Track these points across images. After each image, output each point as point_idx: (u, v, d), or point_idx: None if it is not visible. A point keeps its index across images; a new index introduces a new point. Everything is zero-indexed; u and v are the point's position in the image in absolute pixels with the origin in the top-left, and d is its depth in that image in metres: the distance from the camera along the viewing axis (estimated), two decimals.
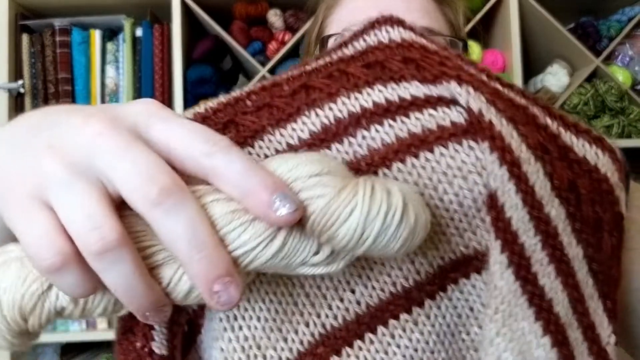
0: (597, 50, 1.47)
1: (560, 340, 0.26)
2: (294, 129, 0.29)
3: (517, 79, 1.42)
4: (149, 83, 1.43)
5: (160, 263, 0.24)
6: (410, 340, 0.29)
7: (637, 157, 1.52)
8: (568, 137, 0.28)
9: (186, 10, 1.44)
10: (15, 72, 1.43)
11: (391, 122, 0.28)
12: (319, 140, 0.28)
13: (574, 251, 0.27)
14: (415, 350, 0.29)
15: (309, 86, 0.30)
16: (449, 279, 0.29)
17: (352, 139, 0.28)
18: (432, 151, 0.27)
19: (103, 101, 1.45)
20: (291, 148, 0.28)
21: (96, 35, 1.45)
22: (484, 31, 1.53)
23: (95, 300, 0.24)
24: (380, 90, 0.29)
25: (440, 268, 0.29)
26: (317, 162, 0.24)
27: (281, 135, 0.29)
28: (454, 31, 0.63)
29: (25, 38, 1.44)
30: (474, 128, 0.26)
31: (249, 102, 0.30)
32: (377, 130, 0.28)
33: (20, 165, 0.25)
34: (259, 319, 0.29)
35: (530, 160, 0.26)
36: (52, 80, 1.43)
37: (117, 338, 0.30)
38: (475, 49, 1.45)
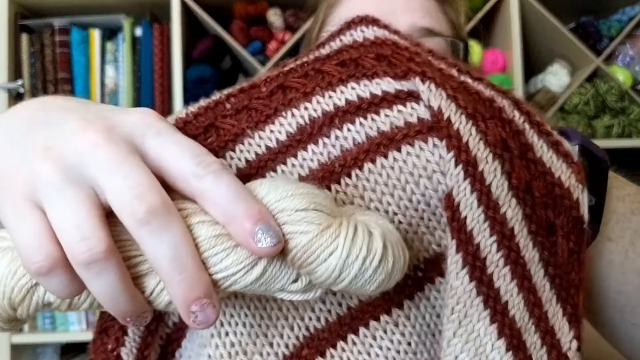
0: (597, 50, 1.47)
1: (515, 344, 0.26)
2: (272, 131, 0.29)
3: (518, 79, 1.42)
4: (149, 83, 1.43)
5: (144, 273, 0.25)
6: (391, 341, 0.29)
7: (637, 157, 1.51)
8: (530, 135, 0.28)
9: (186, 9, 1.44)
10: (15, 72, 1.43)
11: (362, 120, 0.28)
12: (296, 142, 0.29)
13: (531, 254, 0.27)
14: (398, 351, 0.29)
15: (285, 86, 0.30)
16: (425, 278, 0.29)
17: (326, 140, 0.28)
18: (399, 150, 0.27)
19: (103, 101, 1.44)
20: (270, 151, 0.29)
21: (96, 34, 1.45)
22: (485, 31, 1.53)
23: (81, 298, 0.25)
24: (353, 88, 0.29)
25: (415, 268, 0.29)
26: (305, 196, 0.25)
27: (260, 138, 0.29)
28: (455, 31, 0.63)
29: (24, 38, 1.44)
30: (436, 125, 0.26)
31: (228, 105, 0.30)
32: (349, 130, 0.28)
33: (16, 162, 0.25)
34: (244, 324, 0.30)
35: (487, 159, 0.26)
36: (51, 80, 1.43)
37: (93, 336, 0.31)
38: (475, 49, 1.45)
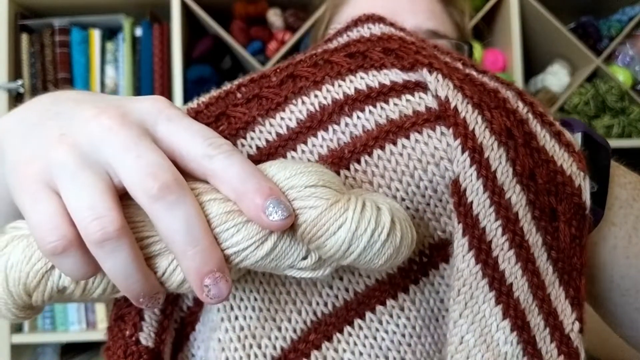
0: (597, 50, 1.47)
1: (519, 325, 0.27)
2: (282, 118, 0.29)
3: (518, 79, 1.42)
4: (149, 83, 1.43)
5: (156, 253, 0.25)
6: (397, 325, 0.30)
7: (637, 157, 1.51)
8: (534, 124, 0.28)
9: (186, 9, 1.44)
10: (15, 72, 1.43)
11: (371, 108, 0.29)
12: (306, 128, 0.29)
13: (534, 238, 0.28)
14: (403, 335, 0.30)
15: (295, 75, 0.30)
16: (430, 263, 0.30)
17: (335, 127, 0.29)
18: (408, 137, 0.28)
19: None
20: (280, 137, 0.29)
21: (96, 34, 1.45)
22: (485, 31, 1.53)
23: (95, 282, 0.26)
24: (362, 78, 0.29)
25: (421, 253, 0.30)
26: (314, 173, 0.26)
27: (271, 125, 0.29)
28: (460, 32, 0.63)
29: (24, 38, 1.44)
30: (444, 114, 0.27)
31: (239, 95, 0.30)
32: (358, 117, 0.29)
33: (32, 149, 0.26)
34: (254, 308, 0.30)
35: (493, 146, 0.27)
36: (51, 80, 1.43)
37: (109, 324, 0.32)
38: (475, 49, 1.45)
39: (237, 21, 1.46)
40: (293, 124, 0.29)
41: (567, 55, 1.50)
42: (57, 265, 0.25)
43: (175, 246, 0.24)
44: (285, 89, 0.30)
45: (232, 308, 0.31)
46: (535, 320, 0.28)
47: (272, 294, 0.31)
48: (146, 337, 0.30)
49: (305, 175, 0.25)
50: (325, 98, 0.29)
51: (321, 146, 0.29)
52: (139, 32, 1.45)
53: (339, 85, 0.29)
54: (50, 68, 1.43)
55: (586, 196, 0.29)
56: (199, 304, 0.32)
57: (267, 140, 0.29)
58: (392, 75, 0.29)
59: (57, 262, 0.24)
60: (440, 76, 0.28)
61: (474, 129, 0.27)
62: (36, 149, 0.26)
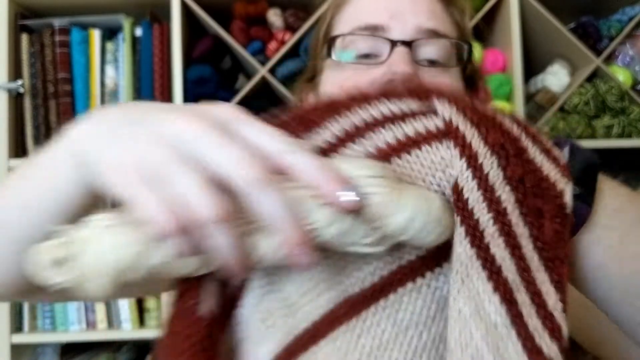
0: (597, 50, 1.47)
1: (508, 299, 0.32)
2: (319, 134, 0.37)
3: (518, 79, 1.42)
4: (149, 83, 1.43)
5: (247, 232, 0.30)
6: (414, 306, 0.35)
7: (638, 157, 1.51)
8: (526, 142, 0.35)
9: (186, 9, 1.44)
10: (15, 72, 1.43)
11: (392, 126, 0.35)
12: (341, 141, 0.36)
13: (521, 230, 0.33)
14: (420, 314, 0.35)
15: (334, 102, 0.38)
16: (441, 256, 0.35)
17: (364, 140, 0.35)
18: (420, 149, 0.34)
19: (103, 101, 1.45)
20: (319, 150, 0.36)
21: (95, 34, 1.45)
22: (485, 31, 1.53)
23: (192, 259, 0.30)
24: (387, 105, 0.36)
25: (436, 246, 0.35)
26: (375, 167, 0.32)
27: (311, 139, 0.37)
28: (460, 32, 0.63)
29: (24, 38, 1.44)
30: (448, 131, 0.34)
31: (284, 118, 0.38)
32: (382, 133, 0.35)
33: (128, 149, 0.31)
34: (293, 283, 0.37)
35: (486, 155, 0.33)
36: (51, 80, 1.43)
37: (173, 301, 0.37)
38: (475, 49, 1.45)
39: (237, 21, 1.46)
40: (331, 139, 0.36)
41: (567, 55, 1.50)
42: (164, 245, 0.29)
43: (273, 223, 0.29)
44: (325, 113, 0.37)
45: (274, 282, 0.37)
46: (522, 297, 0.32)
47: (309, 273, 0.37)
48: (207, 305, 0.36)
49: (369, 168, 0.31)
50: (356, 119, 0.36)
51: (352, 155, 0.36)
52: (139, 32, 1.45)
53: (368, 110, 0.36)
54: (50, 68, 1.43)
55: (568, 197, 0.34)
56: (241, 284, 0.39)
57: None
58: (411, 105, 0.36)
59: (164, 242, 0.29)
60: (446, 103, 0.35)
61: (470, 141, 0.33)
62: (132, 149, 0.30)
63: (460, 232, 0.32)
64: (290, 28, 1.47)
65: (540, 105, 1.47)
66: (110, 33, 1.48)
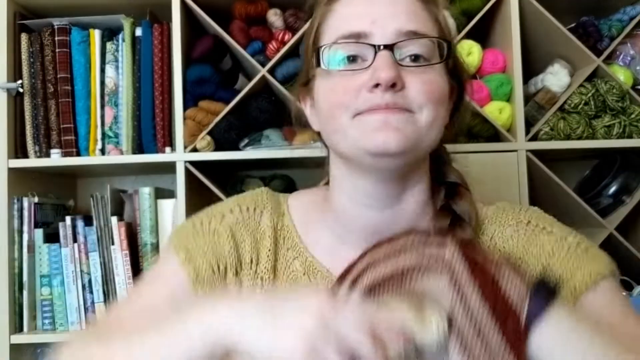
0: (598, 50, 1.47)
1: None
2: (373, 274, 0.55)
3: (518, 79, 1.42)
4: (149, 83, 1.43)
5: None
6: None
7: (638, 157, 1.51)
8: (499, 269, 0.51)
9: (186, 9, 1.44)
10: (14, 72, 1.43)
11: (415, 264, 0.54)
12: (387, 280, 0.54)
13: (483, 312, 0.50)
14: None
15: (375, 260, 0.55)
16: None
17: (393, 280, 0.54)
18: (428, 277, 0.52)
19: (103, 101, 1.44)
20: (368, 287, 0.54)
21: (95, 34, 1.45)
22: (485, 31, 1.53)
23: None
24: (410, 255, 0.54)
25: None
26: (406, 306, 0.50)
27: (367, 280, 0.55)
28: (441, 30, 0.66)
29: (24, 37, 1.44)
30: (448, 267, 0.52)
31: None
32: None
33: (287, 322, 0.47)
34: None
35: (466, 279, 0.51)
36: (51, 80, 1.43)
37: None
38: (475, 49, 1.45)
39: (237, 21, 1.46)
40: (370, 284, 0.54)
41: (567, 55, 1.50)
42: None
43: None
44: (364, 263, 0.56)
45: None
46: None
47: None
48: None
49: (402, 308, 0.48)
50: (393, 265, 0.54)
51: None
52: (139, 32, 1.45)
53: (397, 260, 0.54)
54: (50, 68, 1.43)
55: (523, 314, 0.49)
56: None
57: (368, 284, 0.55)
58: (432, 249, 0.53)
59: None
60: (452, 246, 0.52)
61: (458, 272, 0.51)
62: (291, 321, 0.46)
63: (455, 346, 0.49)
64: (290, 28, 1.47)
65: (540, 105, 1.46)
66: (110, 33, 1.48)
